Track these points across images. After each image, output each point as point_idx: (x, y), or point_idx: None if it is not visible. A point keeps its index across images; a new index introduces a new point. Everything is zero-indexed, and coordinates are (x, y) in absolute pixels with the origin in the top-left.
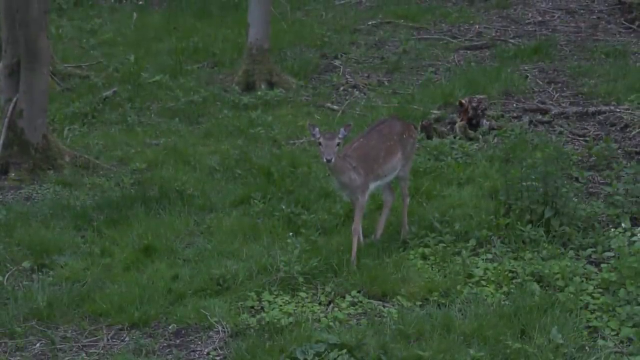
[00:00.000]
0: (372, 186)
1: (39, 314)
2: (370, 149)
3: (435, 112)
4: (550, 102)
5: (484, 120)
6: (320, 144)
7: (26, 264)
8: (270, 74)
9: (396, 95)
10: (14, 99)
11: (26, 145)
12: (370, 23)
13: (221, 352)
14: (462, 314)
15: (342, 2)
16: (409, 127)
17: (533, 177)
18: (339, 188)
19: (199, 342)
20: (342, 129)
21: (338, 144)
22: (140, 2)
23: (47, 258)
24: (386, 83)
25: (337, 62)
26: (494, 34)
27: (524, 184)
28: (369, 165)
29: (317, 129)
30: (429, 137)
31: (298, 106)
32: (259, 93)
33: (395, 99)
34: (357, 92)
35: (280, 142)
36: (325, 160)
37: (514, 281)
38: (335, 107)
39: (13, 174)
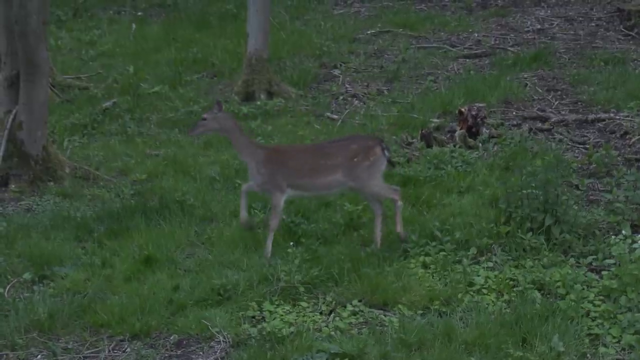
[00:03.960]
0: (292, 193)
1: (40, 325)
2: (298, 157)
3: (434, 120)
4: (550, 109)
5: (484, 129)
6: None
7: (27, 276)
8: (269, 84)
9: (396, 104)
10: (14, 111)
11: (26, 157)
12: (369, 32)
13: None
14: (463, 323)
15: (341, 11)
16: (369, 150)
17: (533, 185)
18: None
19: (201, 353)
20: (215, 103)
21: (204, 119)
22: (139, 13)
23: (48, 269)
24: (385, 92)
25: (336, 72)
26: (493, 42)
27: (524, 191)
28: (283, 171)
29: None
30: (429, 146)
31: (297, 116)
32: (259, 103)
33: (395, 108)
34: (356, 102)
35: None
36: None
37: (515, 289)
38: (334, 116)
39: (13, 186)
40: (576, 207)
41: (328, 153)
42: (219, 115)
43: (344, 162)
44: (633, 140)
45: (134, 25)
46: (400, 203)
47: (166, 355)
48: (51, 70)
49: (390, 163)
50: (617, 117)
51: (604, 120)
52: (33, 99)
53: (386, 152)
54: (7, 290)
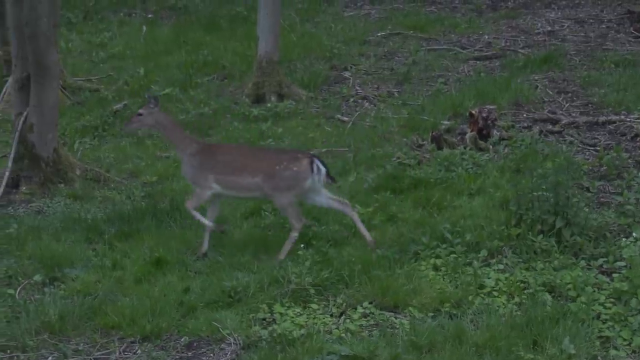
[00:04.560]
0: (216, 189)
1: (51, 327)
2: (230, 155)
3: (445, 122)
4: (561, 111)
5: (495, 131)
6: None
7: (37, 278)
8: (280, 86)
9: (406, 106)
10: (25, 113)
11: (37, 159)
12: (379, 34)
13: None
14: (474, 325)
15: (351, 13)
16: (297, 162)
17: (544, 187)
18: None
19: (211, 355)
20: (150, 98)
21: (140, 114)
22: (150, 16)
23: (59, 271)
24: (396, 94)
25: (346, 74)
26: (503, 44)
27: (535, 194)
28: (212, 165)
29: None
30: (440, 148)
31: (308, 118)
32: (269, 105)
33: (405, 110)
34: (367, 104)
35: None
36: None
37: (525, 291)
38: (345, 118)
39: (24, 188)
40: (587, 210)
41: (257, 155)
42: (155, 111)
43: (265, 167)
44: None
45: (144, 28)
46: (296, 235)
47: (177, 357)
48: (62, 72)
49: (330, 177)
50: (628, 119)
51: (614, 122)
52: (44, 101)
53: (319, 167)
54: (18, 291)
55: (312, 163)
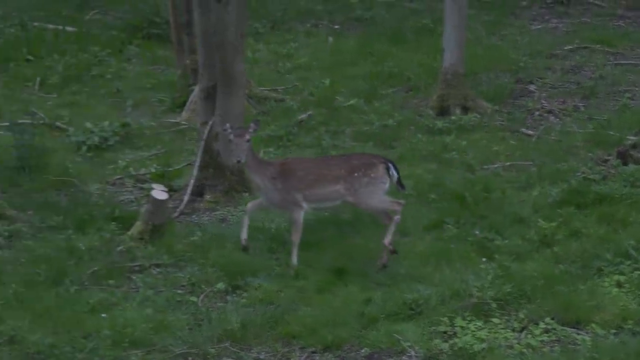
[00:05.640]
0: (307, 207)
1: (233, 335)
2: (303, 169)
3: (631, 138)
4: None
5: None
6: (231, 141)
7: (220, 286)
8: (464, 99)
9: (592, 120)
10: (210, 122)
11: (221, 168)
12: (566, 48)
13: None
14: None
15: (538, 27)
16: (373, 167)
17: None
18: (262, 198)
19: None
20: (251, 124)
21: (248, 141)
22: (336, 27)
23: (241, 280)
24: (582, 108)
25: (532, 87)
26: None
27: None
28: (293, 182)
29: (227, 125)
30: (625, 164)
31: (492, 131)
32: (453, 118)
33: (591, 125)
34: (552, 118)
35: (474, 167)
36: (235, 161)
37: None
38: (530, 132)
39: (208, 196)
40: None
41: (332, 164)
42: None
43: (345, 175)
44: None
45: (330, 39)
46: (398, 217)
47: None
48: (248, 82)
49: (401, 185)
50: None
51: None
52: (229, 110)
53: (392, 173)
54: (200, 299)
55: (387, 168)
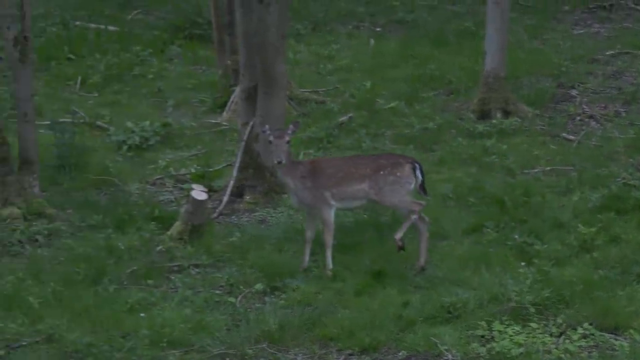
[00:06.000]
0: (338, 205)
1: (270, 336)
2: (331, 167)
3: None
4: None
5: None
6: (270, 142)
7: (259, 287)
8: (505, 103)
9: (633, 126)
10: (251, 123)
11: (261, 169)
12: (608, 53)
13: None
14: None
15: (581, 31)
16: (398, 167)
17: None
18: (292, 199)
19: None
20: (290, 126)
21: (288, 142)
22: (378, 29)
23: (280, 281)
24: (623, 114)
25: (573, 92)
26: None
27: None
28: (322, 180)
29: (267, 127)
30: None
31: (533, 135)
32: (494, 121)
33: (632, 130)
34: (593, 123)
35: (514, 171)
36: (275, 162)
37: None
38: (571, 137)
39: (248, 197)
40: None
41: (359, 163)
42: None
43: (371, 173)
44: None
45: (372, 41)
46: (415, 217)
47: None
48: (289, 83)
49: (423, 189)
50: None
51: None
52: (270, 111)
53: (417, 175)
54: (238, 300)
55: (414, 169)
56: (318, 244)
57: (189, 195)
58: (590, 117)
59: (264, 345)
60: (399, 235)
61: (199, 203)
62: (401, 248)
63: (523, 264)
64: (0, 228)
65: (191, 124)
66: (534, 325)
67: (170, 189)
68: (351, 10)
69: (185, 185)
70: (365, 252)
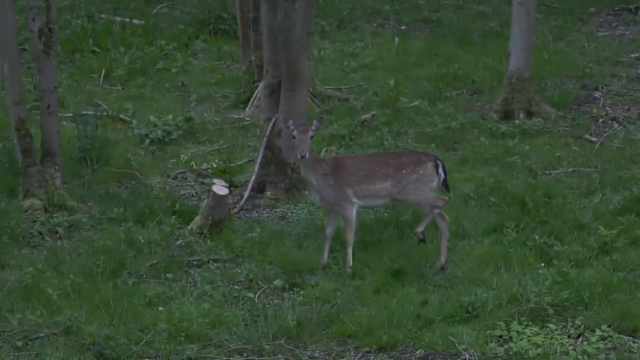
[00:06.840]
0: (360, 202)
1: (288, 332)
2: (354, 165)
3: None
4: None
5: None
6: (294, 137)
7: (277, 283)
8: (529, 103)
9: None
10: (273, 119)
11: (283, 165)
12: (632, 55)
13: None
14: None
15: (605, 33)
16: (420, 165)
17: None
18: (314, 196)
19: None
20: (315, 121)
21: (311, 137)
22: (403, 27)
23: (299, 277)
24: None
25: (597, 94)
26: None
27: None
28: (344, 178)
29: (290, 122)
30: None
31: (556, 136)
32: (517, 122)
33: None
34: (616, 125)
35: (536, 172)
36: (299, 156)
37: None
38: (593, 138)
39: (269, 193)
40: None
41: (382, 161)
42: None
43: (393, 172)
44: None
45: (396, 39)
46: (438, 212)
47: None
48: (312, 80)
49: (446, 186)
50: None
51: None
52: (293, 108)
53: (440, 172)
54: (257, 295)
55: (436, 166)
56: (338, 241)
57: (210, 190)
58: (613, 119)
59: (282, 341)
60: (420, 228)
61: (220, 198)
62: (422, 240)
63: (543, 264)
64: (21, 219)
65: (214, 118)
66: (552, 326)
67: (192, 183)
68: (376, 8)
69: (206, 180)
70: (385, 250)
